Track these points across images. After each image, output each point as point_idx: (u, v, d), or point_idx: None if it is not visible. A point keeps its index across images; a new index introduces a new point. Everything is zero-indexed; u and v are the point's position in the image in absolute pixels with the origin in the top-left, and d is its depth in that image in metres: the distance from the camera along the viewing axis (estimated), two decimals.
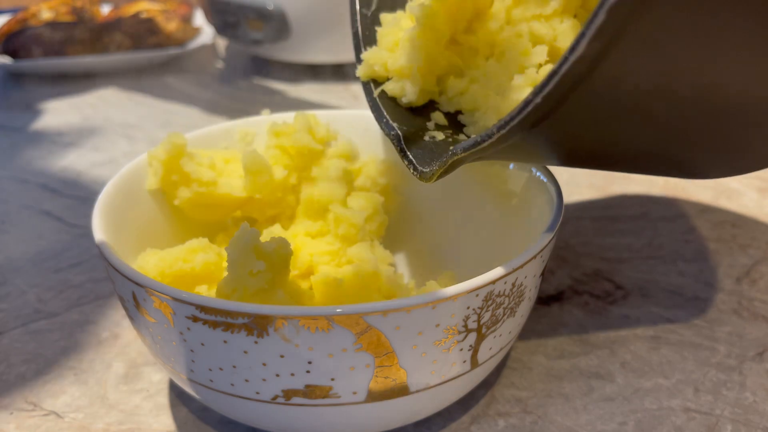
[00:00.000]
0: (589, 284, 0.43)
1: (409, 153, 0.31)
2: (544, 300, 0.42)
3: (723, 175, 0.32)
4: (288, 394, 0.27)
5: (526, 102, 0.22)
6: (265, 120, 0.42)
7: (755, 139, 0.27)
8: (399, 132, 0.33)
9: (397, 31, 0.36)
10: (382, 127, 0.34)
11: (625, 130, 0.25)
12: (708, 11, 0.19)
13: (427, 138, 0.33)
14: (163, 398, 0.35)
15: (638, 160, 0.29)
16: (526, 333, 0.39)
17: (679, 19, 0.19)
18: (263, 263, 0.28)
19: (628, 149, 0.27)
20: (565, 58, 0.20)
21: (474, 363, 0.29)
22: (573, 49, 0.20)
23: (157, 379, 0.36)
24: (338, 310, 0.24)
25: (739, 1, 0.19)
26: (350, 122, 0.42)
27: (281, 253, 0.29)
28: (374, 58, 0.36)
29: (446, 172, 0.29)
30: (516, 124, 0.23)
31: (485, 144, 0.25)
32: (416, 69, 0.34)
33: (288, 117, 0.42)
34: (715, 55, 0.21)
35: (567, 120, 0.23)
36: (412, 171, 0.31)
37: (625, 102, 0.23)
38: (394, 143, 0.32)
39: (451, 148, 0.28)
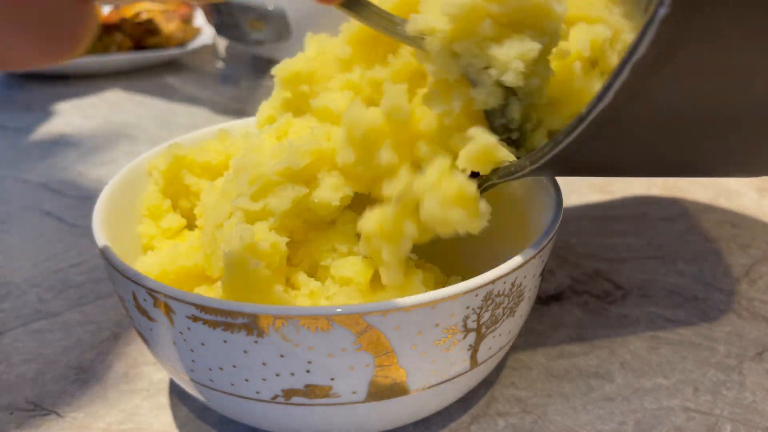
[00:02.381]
0: (588, 284, 0.43)
1: None
2: (544, 300, 0.42)
3: (730, 176, 0.33)
4: (288, 393, 0.27)
5: (556, 142, 0.24)
6: None
7: (763, 147, 0.28)
8: None
9: None
10: None
11: (645, 150, 0.26)
12: (724, 47, 0.20)
13: None
14: (164, 398, 0.35)
15: (653, 168, 0.30)
16: (526, 333, 0.39)
17: (699, 63, 0.21)
18: (259, 261, 0.28)
19: (645, 162, 0.28)
20: (594, 105, 0.21)
21: (473, 363, 0.29)
22: (600, 98, 0.21)
23: (157, 378, 0.36)
24: (338, 310, 0.24)
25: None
26: None
27: (278, 251, 0.29)
28: None
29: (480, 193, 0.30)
30: (547, 160, 0.25)
31: (518, 175, 0.27)
32: None
33: None
34: (729, 82, 0.22)
35: (594, 151, 0.25)
36: None
37: (648, 128, 0.24)
38: None
39: (488, 174, 0.28)
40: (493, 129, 0.28)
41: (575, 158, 0.25)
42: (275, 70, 0.35)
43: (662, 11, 0.18)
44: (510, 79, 0.26)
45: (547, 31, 0.27)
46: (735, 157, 0.29)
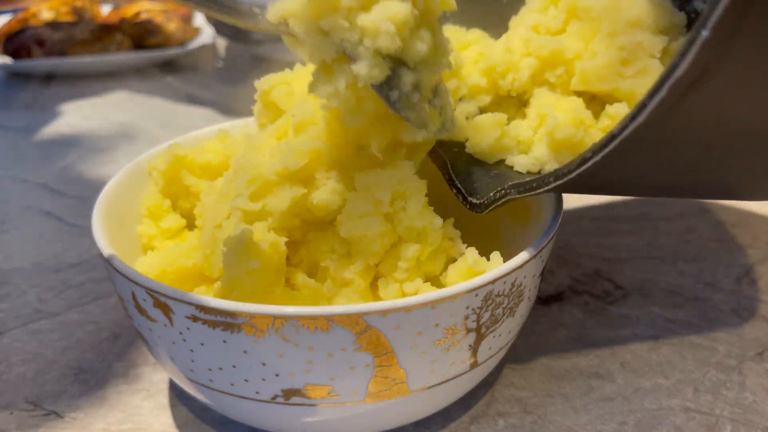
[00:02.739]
0: (589, 284, 0.43)
1: (457, 181, 0.31)
2: (544, 300, 0.42)
3: (758, 199, 0.33)
4: (287, 393, 0.27)
5: (584, 159, 0.24)
6: None
7: None
8: (446, 159, 0.33)
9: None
10: (429, 154, 0.34)
11: (673, 169, 0.26)
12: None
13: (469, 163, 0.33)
14: (163, 398, 0.35)
15: (678, 189, 0.30)
16: (526, 333, 0.39)
17: (735, 84, 0.21)
18: (258, 261, 0.28)
19: (671, 181, 0.28)
20: (627, 123, 0.21)
21: (473, 363, 0.29)
22: (634, 116, 0.21)
23: (157, 379, 0.36)
24: (338, 310, 0.24)
25: None
26: None
27: (277, 251, 0.29)
28: None
29: (496, 207, 0.29)
30: (573, 177, 0.25)
31: (540, 191, 0.27)
32: None
33: None
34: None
35: (621, 170, 0.25)
36: (461, 201, 0.31)
37: (678, 148, 0.24)
38: (442, 171, 0.32)
39: (505, 188, 0.28)
40: (391, 105, 0.27)
41: (601, 176, 0.25)
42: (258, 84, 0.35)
43: (705, 34, 0.18)
44: (384, 43, 0.25)
45: None
46: (766, 179, 0.28)
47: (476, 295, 0.26)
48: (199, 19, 0.97)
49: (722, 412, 0.33)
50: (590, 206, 0.53)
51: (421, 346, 0.26)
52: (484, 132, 0.32)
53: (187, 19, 0.92)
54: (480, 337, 0.28)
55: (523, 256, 0.28)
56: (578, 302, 0.42)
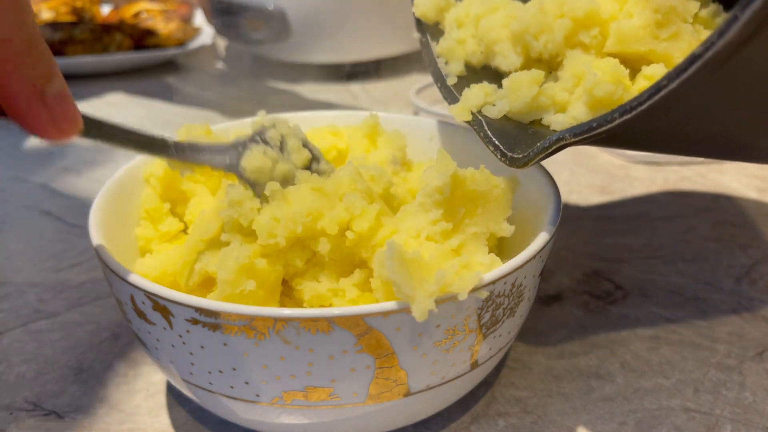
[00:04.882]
0: (589, 284, 0.43)
1: (494, 138, 0.31)
2: (544, 300, 0.42)
3: None
4: (288, 396, 0.27)
5: (658, 87, 0.22)
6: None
7: None
8: (481, 118, 0.32)
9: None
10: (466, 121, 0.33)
11: (734, 117, 0.25)
12: None
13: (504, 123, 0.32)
14: (163, 398, 0.35)
15: (725, 146, 0.30)
16: (526, 333, 0.39)
17: None
18: (253, 282, 0.28)
19: (726, 135, 0.28)
20: (711, 43, 0.20)
21: (474, 363, 0.29)
22: (721, 33, 0.20)
23: (156, 379, 0.36)
24: (338, 312, 0.24)
25: None
26: (351, 122, 0.42)
27: (273, 270, 0.29)
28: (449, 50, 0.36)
29: (545, 157, 0.28)
30: (644, 109, 0.23)
31: (601, 130, 0.25)
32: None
33: (287, 117, 0.42)
34: None
35: (688, 106, 0.23)
36: (499, 157, 0.30)
37: (749, 86, 0.23)
38: (476, 129, 0.32)
39: (557, 132, 0.27)
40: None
41: (658, 119, 0.24)
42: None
43: None
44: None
45: None
46: None
47: (477, 295, 0.26)
48: (199, 19, 0.97)
49: (722, 412, 0.33)
50: (590, 206, 0.53)
51: (422, 348, 0.26)
52: (520, 90, 0.32)
53: (187, 19, 0.92)
54: (480, 338, 0.28)
55: (523, 257, 0.28)
56: (578, 302, 0.42)
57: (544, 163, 0.33)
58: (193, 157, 0.31)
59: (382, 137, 0.40)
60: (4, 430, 0.33)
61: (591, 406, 0.34)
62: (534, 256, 0.28)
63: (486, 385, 0.35)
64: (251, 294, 0.28)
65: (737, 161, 0.34)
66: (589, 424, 0.33)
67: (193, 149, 0.31)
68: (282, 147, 0.32)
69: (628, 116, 0.24)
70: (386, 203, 0.34)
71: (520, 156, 0.29)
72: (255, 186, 0.31)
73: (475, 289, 0.26)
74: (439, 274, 0.25)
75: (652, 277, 0.44)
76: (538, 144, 0.29)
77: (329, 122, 0.42)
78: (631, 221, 0.50)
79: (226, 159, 0.31)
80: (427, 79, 0.75)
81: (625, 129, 0.25)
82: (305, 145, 0.33)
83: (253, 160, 0.31)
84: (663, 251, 0.47)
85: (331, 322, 0.24)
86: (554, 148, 0.28)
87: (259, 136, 0.32)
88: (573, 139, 0.27)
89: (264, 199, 0.30)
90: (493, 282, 0.26)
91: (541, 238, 0.29)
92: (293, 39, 0.78)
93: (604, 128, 0.25)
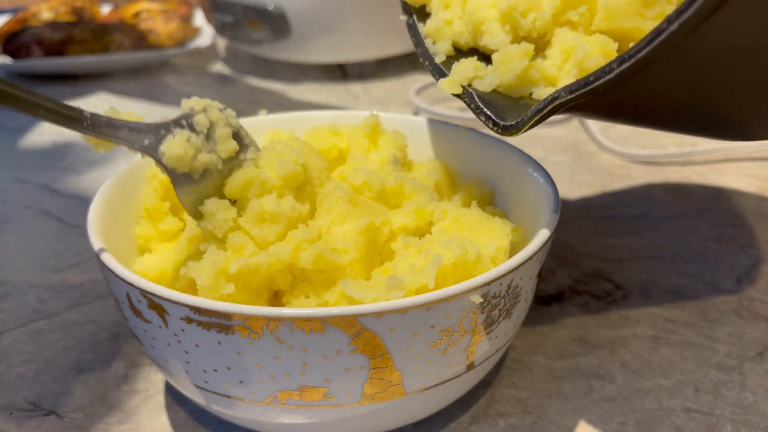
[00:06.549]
0: (589, 284, 0.43)
1: (485, 108, 0.31)
2: (544, 300, 0.42)
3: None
4: (283, 395, 0.27)
5: (658, 31, 0.22)
6: (263, 120, 0.42)
7: None
8: (472, 91, 0.32)
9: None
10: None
11: (731, 80, 0.25)
12: None
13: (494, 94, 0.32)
14: (162, 398, 0.35)
15: (701, 119, 0.29)
16: (526, 333, 0.39)
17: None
18: (232, 286, 0.28)
19: (704, 106, 0.27)
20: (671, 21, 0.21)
21: (470, 365, 0.28)
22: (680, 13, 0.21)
23: (156, 379, 0.36)
24: (333, 312, 0.24)
25: None
26: (351, 122, 0.42)
27: (254, 272, 0.28)
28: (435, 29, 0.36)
29: (539, 121, 0.28)
30: (643, 55, 0.23)
31: (599, 83, 0.25)
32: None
33: (287, 117, 0.42)
34: None
35: (685, 59, 0.24)
36: (491, 126, 0.30)
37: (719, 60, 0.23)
38: (466, 101, 0.32)
39: (553, 92, 0.27)
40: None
41: (646, 80, 0.24)
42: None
43: None
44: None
45: None
46: None
47: (471, 297, 0.26)
48: (199, 19, 0.97)
49: (723, 412, 0.33)
50: (590, 206, 0.53)
51: (417, 348, 0.26)
52: (510, 62, 0.31)
53: (187, 19, 0.92)
54: (476, 339, 0.28)
55: (519, 258, 0.27)
56: (578, 302, 0.41)
57: (543, 163, 0.33)
58: (108, 133, 0.29)
59: (382, 137, 0.40)
60: (4, 430, 0.33)
61: (591, 406, 0.34)
62: (530, 258, 0.28)
63: (486, 385, 0.35)
64: (232, 297, 0.28)
65: (726, 139, 0.33)
66: (590, 425, 0.33)
67: (111, 125, 0.29)
68: (209, 135, 0.31)
69: (627, 65, 0.24)
70: (383, 203, 0.34)
71: (513, 122, 0.29)
72: (173, 173, 0.29)
73: (470, 290, 0.26)
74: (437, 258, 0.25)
75: (652, 277, 0.44)
76: (533, 107, 0.28)
77: (330, 122, 0.42)
78: (632, 221, 0.50)
79: (144, 140, 0.29)
80: (428, 79, 0.75)
81: (618, 91, 0.25)
82: (236, 133, 0.32)
83: (174, 146, 0.29)
84: (663, 251, 0.46)
85: (324, 322, 0.24)
86: (549, 109, 0.27)
87: (185, 120, 0.30)
88: (569, 97, 0.26)
89: (184, 181, 0.29)
90: (489, 283, 0.26)
91: (538, 240, 0.29)
92: (293, 39, 0.78)
93: (602, 80, 0.25)
